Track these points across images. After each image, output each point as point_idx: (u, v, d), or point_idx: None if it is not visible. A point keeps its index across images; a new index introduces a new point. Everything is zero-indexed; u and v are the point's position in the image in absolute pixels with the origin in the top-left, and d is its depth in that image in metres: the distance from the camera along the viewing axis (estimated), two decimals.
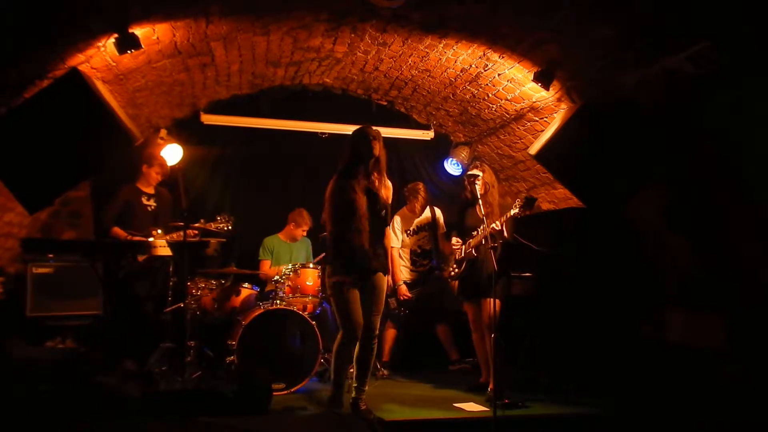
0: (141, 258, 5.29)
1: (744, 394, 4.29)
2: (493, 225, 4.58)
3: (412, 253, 5.98)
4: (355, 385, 4.24)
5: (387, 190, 4.25)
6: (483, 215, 4.54)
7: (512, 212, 4.51)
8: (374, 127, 4.23)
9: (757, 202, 4.21)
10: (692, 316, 4.87)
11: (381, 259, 4.24)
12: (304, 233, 6.07)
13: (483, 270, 4.79)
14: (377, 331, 4.27)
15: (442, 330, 5.99)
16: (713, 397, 4.38)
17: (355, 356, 4.23)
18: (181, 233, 5.23)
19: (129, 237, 5.30)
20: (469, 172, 4.86)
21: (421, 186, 5.96)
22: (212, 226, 5.30)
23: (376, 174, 4.18)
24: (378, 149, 4.15)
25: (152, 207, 5.61)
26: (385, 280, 4.32)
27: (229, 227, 5.39)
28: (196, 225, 5.22)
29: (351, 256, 4.09)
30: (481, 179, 4.79)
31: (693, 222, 4.79)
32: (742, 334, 4.46)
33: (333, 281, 4.17)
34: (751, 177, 4.15)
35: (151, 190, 5.65)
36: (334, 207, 4.14)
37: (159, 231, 5.31)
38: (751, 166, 4.10)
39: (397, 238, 5.91)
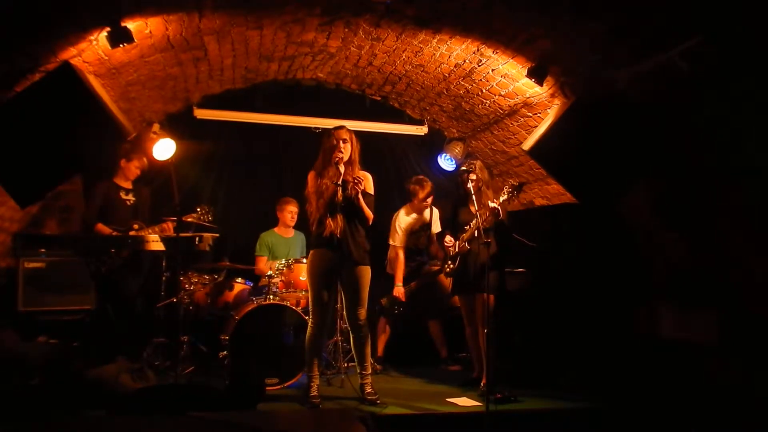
0: (124, 254, 5.27)
1: (734, 389, 4.33)
2: (492, 205, 4.58)
3: (406, 249, 5.96)
4: (359, 371, 4.56)
5: (364, 181, 4.48)
6: (476, 211, 4.54)
7: (502, 198, 4.57)
8: (346, 126, 4.56)
9: (751, 200, 4.22)
10: (684, 312, 4.90)
11: (360, 250, 4.45)
12: (294, 216, 5.98)
13: (476, 264, 4.80)
14: (363, 321, 4.50)
15: (434, 326, 5.99)
16: (704, 392, 4.41)
17: (352, 346, 4.61)
18: (163, 226, 5.24)
19: (113, 233, 5.28)
20: (462, 169, 4.87)
21: (423, 177, 5.96)
22: (190, 218, 5.27)
23: (349, 168, 4.42)
24: (348, 150, 4.43)
25: (131, 201, 5.58)
26: (368, 273, 4.50)
27: (209, 218, 5.36)
28: (173, 217, 5.09)
29: (328, 243, 4.35)
30: (474, 177, 4.80)
31: (686, 219, 4.81)
32: (733, 330, 4.49)
33: (308, 261, 4.51)
34: (745, 175, 4.17)
35: (129, 185, 5.61)
36: (310, 202, 4.46)
37: (137, 226, 5.30)
38: (746, 164, 4.11)
39: (398, 234, 5.85)
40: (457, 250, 4.91)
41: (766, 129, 3.83)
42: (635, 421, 4.31)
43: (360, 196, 4.38)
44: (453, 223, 5.09)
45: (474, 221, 4.61)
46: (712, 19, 3.47)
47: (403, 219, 5.90)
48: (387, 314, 5.85)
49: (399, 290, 5.73)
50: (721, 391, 4.38)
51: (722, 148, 4.22)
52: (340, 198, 4.35)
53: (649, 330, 5.16)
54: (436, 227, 5.96)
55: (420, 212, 5.92)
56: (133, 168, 5.58)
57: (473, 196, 4.56)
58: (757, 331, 4.32)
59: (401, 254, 5.80)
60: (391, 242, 5.85)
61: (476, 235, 4.64)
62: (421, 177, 5.95)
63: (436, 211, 5.99)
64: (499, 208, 4.60)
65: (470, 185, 4.67)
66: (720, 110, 4.02)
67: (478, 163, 5.01)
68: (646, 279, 5.30)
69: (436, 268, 5.85)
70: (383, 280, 5.85)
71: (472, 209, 4.61)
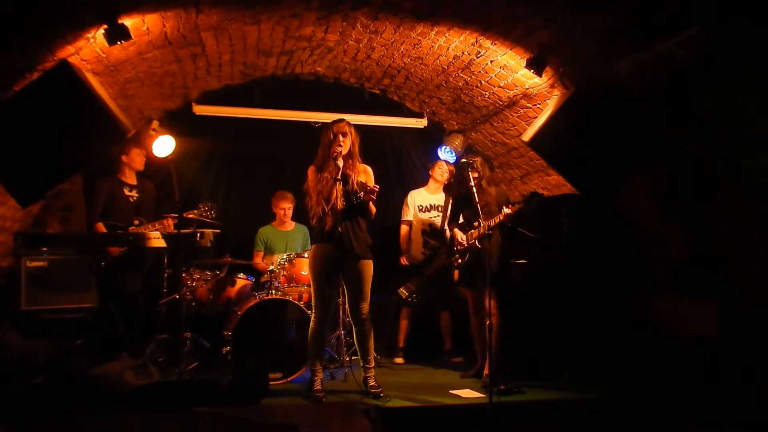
0: (116, 250, 5.27)
1: (733, 383, 4.33)
2: (507, 211, 4.58)
3: (423, 233, 5.96)
4: (362, 365, 4.58)
5: (364, 174, 4.52)
6: (478, 204, 4.52)
7: (518, 208, 4.56)
8: (346, 119, 4.55)
9: (751, 192, 4.21)
10: (684, 305, 4.89)
11: (362, 244, 4.45)
12: (287, 212, 5.98)
13: (483, 257, 4.79)
14: (366, 315, 4.50)
15: (445, 317, 6.00)
16: (704, 385, 4.41)
17: (355, 340, 4.63)
18: (164, 223, 5.24)
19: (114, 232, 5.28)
20: (463, 161, 4.86)
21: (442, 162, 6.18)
22: (192, 214, 5.26)
23: (349, 161, 4.43)
24: (347, 144, 4.42)
25: (134, 198, 5.56)
26: (370, 267, 4.51)
27: (212, 215, 5.36)
28: (174, 214, 5.09)
29: (330, 238, 4.36)
30: (476, 175, 4.78)
31: (686, 210, 4.80)
32: (732, 324, 4.49)
33: (310, 256, 4.53)
34: (746, 167, 4.16)
35: (133, 181, 5.60)
36: (310, 196, 4.45)
37: (137, 222, 5.29)
38: (746, 156, 4.10)
39: (409, 211, 6.04)
40: (466, 245, 4.91)
41: (766, 121, 3.82)
42: (636, 412, 4.32)
43: (371, 204, 4.41)
44: (456, 216, 5.09)
45: (482, 220, 4.59)
46: (712, 10, 3.45)
47: (415, 196, 6.09)
48: (406, 304, 5.85)
49: (402, 259, 5.99)
50: (720, 385, 4.39)
51: (723, 140, 4.21)
52: (340, 192, 4.35)
53: (649, 322, 5.16)
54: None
55: (438, 180, 6.11)
56: (136, 157, 5.54)
57: (475, 192, 4.54)
58: (756, 325, 4.32)
59: (404, 229, 6.07)
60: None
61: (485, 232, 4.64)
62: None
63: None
64: (512, 214, 4.59)
65: (472, 182, 4.65)
66: (721, 102, 4.01)
67: (479, 159, 5.00)
68: (646, 271, 5.29)
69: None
70: (399, 270, 5.93)
71: (475, 202, 4.59)
